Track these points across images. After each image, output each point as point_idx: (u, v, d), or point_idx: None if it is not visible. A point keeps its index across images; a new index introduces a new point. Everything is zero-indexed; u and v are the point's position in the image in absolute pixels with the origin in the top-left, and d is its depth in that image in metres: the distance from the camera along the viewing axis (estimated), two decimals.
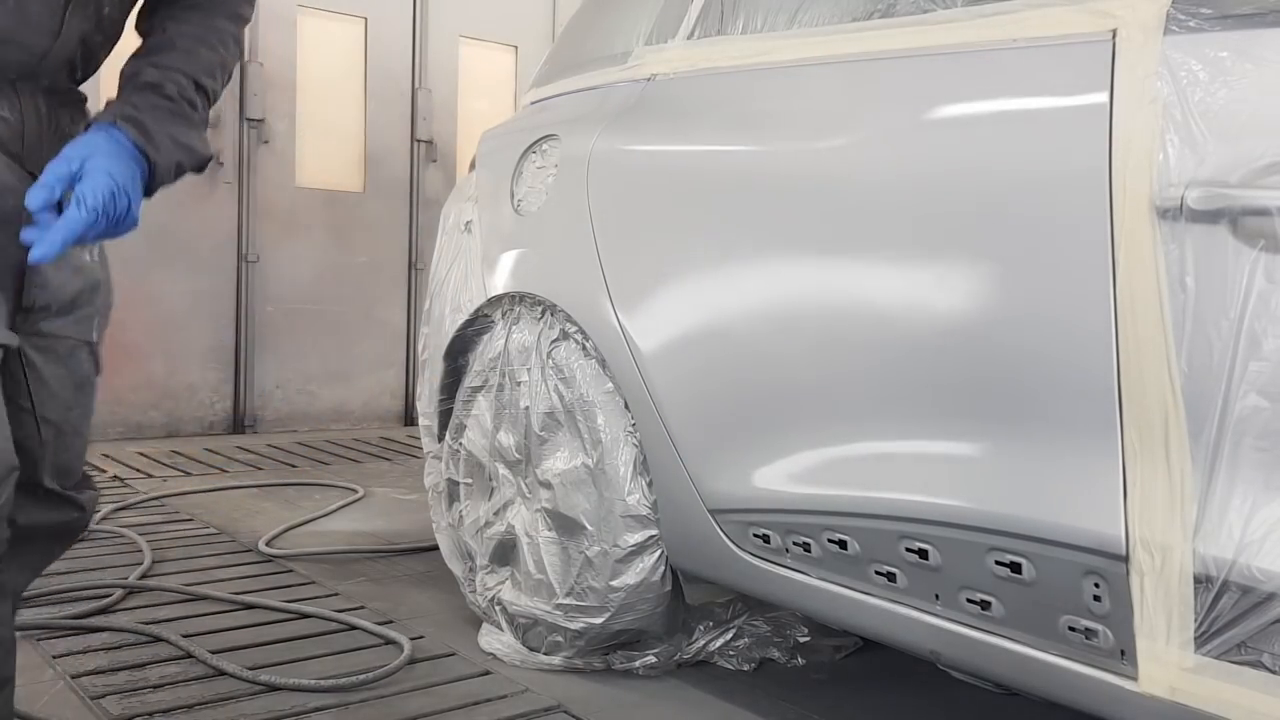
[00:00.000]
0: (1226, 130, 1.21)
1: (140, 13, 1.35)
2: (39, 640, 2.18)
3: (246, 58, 4.87)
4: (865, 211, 1.62)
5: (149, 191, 1.23)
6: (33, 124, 1.22)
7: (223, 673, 2.03)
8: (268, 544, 2.97)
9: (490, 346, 2.34)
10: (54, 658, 2.10)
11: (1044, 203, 1.39)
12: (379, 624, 2.35)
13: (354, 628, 2.33)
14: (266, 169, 4.99)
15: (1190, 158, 1.23)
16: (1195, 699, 1.24)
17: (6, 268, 1.19)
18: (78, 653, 2.13)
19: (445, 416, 2.49)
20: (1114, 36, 1.33)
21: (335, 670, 2.08)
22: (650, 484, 2.01)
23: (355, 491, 3.73)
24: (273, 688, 1.97)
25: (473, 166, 2.62)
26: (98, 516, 3.18)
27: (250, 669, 2.04)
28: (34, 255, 1.12)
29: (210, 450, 4.46)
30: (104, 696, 1.93)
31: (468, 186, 2.59)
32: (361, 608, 2.49)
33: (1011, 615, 1.45)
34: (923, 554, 1.53)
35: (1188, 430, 1.23)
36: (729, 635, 2.18)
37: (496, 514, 2.31)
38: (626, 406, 2.03)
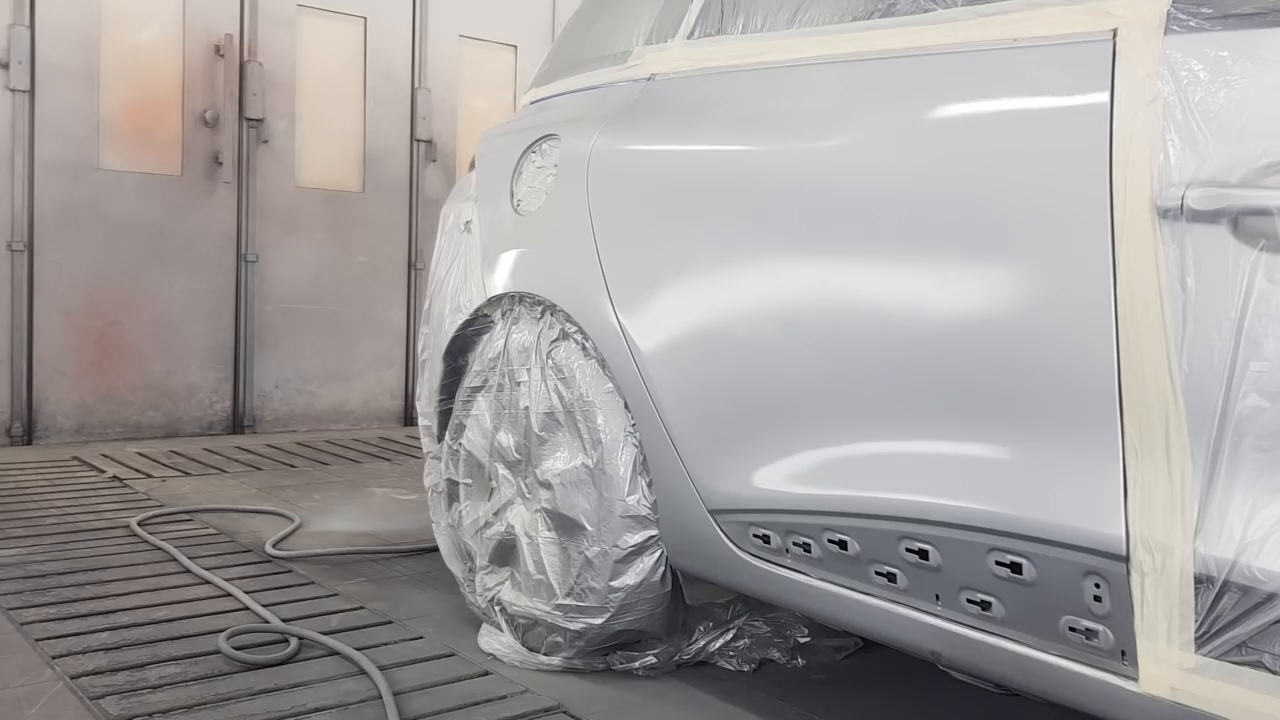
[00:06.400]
0: (1227, 130, 1.21)
1: None
2: (38, 640, 2.18)
3: (246, 57, 4.88)
4: (865, 211, 1.62)
5: None
6: None
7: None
8: (274, 546, 2.97)
9: (490, 346, 2.34)
10: (53, 658, 2.09)
11: (1044, 202, 1.39)
12: (379, 624, 2.35)
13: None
14: (266, 169, 4.99)
15: (1191, 157, 1.23)
16: (1196, 699, 1.24)
17: None
18: (77, 653, 2.13)
19: (445, 416, 2.49)
20: (1114, 36, 1.33)
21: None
22: (650, 484, 2.01)
23: (291, 520, 3.30)
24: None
25: (472, 166, 2.62)
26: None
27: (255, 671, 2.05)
28: None
29: (209, 450, 4.46)
30: (103, 697, 1.92)
31: (467, 186, 2.59)
32: (361, 608, 2.49)
33: (1012, 615, 1.45)
34: (923, 554, 1.53)
35: (1188, 430, 1.23)
36: (729, 636, 2.18)
37: (496, 514, 2.31)
38: (626, 406, 2.03)
